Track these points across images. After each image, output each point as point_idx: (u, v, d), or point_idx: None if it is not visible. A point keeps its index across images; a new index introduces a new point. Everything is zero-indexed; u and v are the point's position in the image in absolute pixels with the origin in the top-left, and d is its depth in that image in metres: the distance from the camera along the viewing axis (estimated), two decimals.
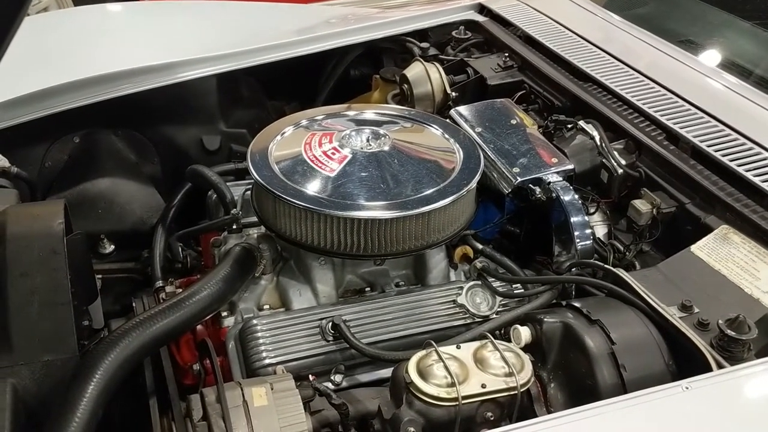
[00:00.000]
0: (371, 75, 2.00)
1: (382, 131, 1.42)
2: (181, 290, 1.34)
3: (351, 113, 1.54)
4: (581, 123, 1.52)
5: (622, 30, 1.82)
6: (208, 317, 1.24)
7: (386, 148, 1.38)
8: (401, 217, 1.24)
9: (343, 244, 1.26)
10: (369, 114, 1.53)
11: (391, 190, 1.28)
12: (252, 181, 1.33)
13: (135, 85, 1.67)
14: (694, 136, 1.38)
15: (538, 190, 1.40)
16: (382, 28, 2.01)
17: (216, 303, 1.22)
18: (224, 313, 1.31)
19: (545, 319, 1.10)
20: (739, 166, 1.30)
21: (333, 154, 1.35)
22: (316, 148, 1.37)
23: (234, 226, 1.43)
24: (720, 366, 1.00)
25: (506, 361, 1.03)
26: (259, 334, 1.20)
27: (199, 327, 1.33)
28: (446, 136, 1.47)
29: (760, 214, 1.23)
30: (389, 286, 1.37)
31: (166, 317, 1.15)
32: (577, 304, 1.12)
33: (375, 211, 1.24)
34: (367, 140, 1.40)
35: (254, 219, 1.41)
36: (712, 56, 1.66)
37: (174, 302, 1.18)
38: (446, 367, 1.00)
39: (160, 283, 1.47)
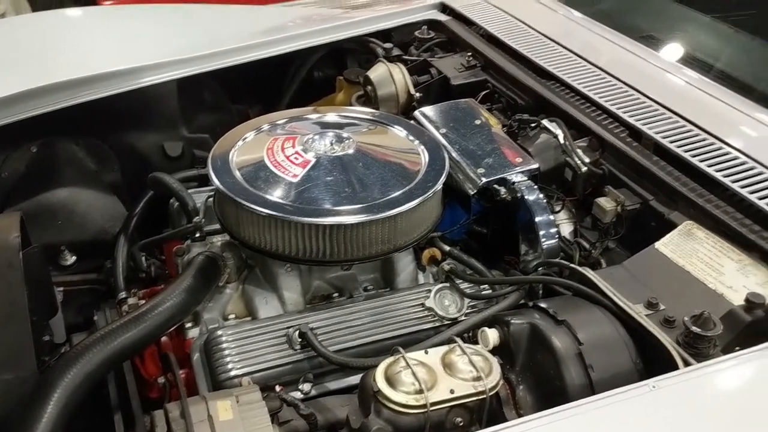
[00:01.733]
0: (335, 76, 1.99)
1: (346, 134, 1.41)
2: (144, 302, 1.31)
3: (314, 116, 1.52)
4: (545, 122, 1.52)
5: (583, 27, 1.82)
6: (172, 329, 1.22)
7: (351, 151, 1.36)
8: (368, 221, 1.23)
9: (309, 250, 1.25)
10: (333, 116, 1.52)
11: (357, 193, 1.27)
12: (215, 187, 1.31)
13: (94, 92, 1.63)
14: (657, 133, 1.39)
15: (503, 190, 1.39)
16: (345, 29, 1.99)
17: (180, 314, 1.19)
18: (189, 324, 1.28)
19: (512, 321, 1.10)
20: (702, 161, 1.31)
21: (296, 158, 1.34)
22: (279, 152, 1.35)
23: (197, 235, 1.40)
24: (687, 363, 1.00)
25: (474, 365, 1.02)
26: (225, 345, 1.18)
27: (163, 339, 1.30)
28: (411, 137, 1.46)
29: (723, 209, 1.24)
30: (357, 290, 1.36)
31: (129, 331, 1.12)
32: (543, 305, 1.12)
33: (341, 216, 1.23)
34: (331, 144, 1.38)
35: (218, 226, 1.39)
36: (673, 52, 1.67)
37: (136, 315, 1.15)
38: (414, 374, 0.99)
39: (123, 295, 1.44)
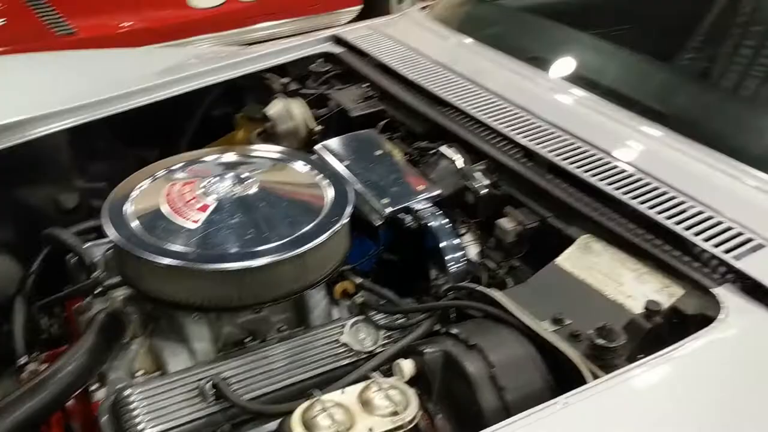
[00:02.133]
0: (233, 114, 1.96)
1: (247, 174, 1.39)
2: (46, 365, 1.25)
3: (213, 158, 1.50)
4: (443, 148, 1.55)
5: (473, 52, 1.87)
6: (76, 393, 1.16)
7: (253, 191, 1.34)
8: (276, 261, 1.21)
9: (217, 298, 1.22)
10: (232, 156, 1.50)
11: (263, 234, 1.25)
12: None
13: None
14: (549, 152, 1.44)
15: (408, 218, 1.41)
16: (242, 65, 1.98)
17: (83, 378, 1.14)
18: (95, 386, 1.22)
19: (426, 350, 1.11)
20: (593, 176, 1.36)
21: (196, 203, 1.31)
22: (178, 198, 1.32)
23: (98, 290, 1.35)
24: (595, 376, 1.03)
25: (391, 400, 1.02)
26: (134, 405, 1.13)
27: (69, 403, 1.24)
28: (314, 172, 1.45)
29: (616, 221, 1.29)
30: (271, 332, 1.33)
31: (30, 400, 1.07)
32: (454, 331, 1.13)
33: (247, 259, 1.20)
34: (232, 185, 1.36)
35: (120, 278, 1.34)
36: (559, 71, 1.73)
37: (37, 383, 1.10)
38: (331, 417, 0.98)
39: (23, 360, 1.37)
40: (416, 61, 1.85)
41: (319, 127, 1.76)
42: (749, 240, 1.19)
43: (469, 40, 1.93)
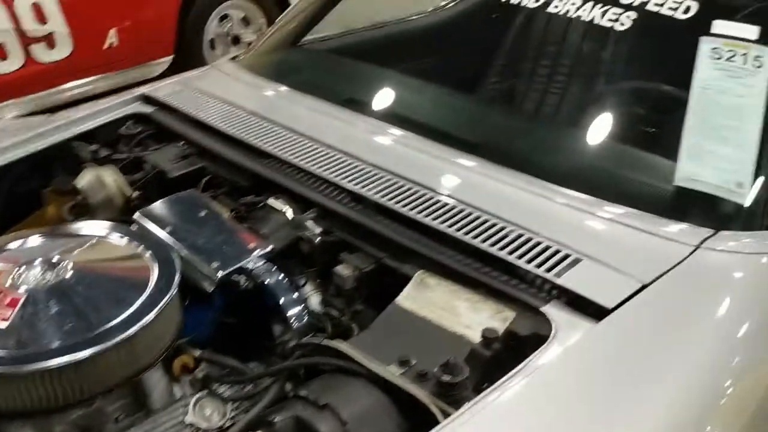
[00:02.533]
0: (41, 190, 1.81)
1: (58, 257, 1.28)
2: None
3: (18, 243, 1.37)
4: (271, 201, 1.52)
5: (289, 100, 1.87)
6: None
7: (68, 275, 1.24)
8: (102, 350, 1.12)
9: (40, 399, 1.11)
10: (40, 239, 1.38)
11: (84, 322, 1.16)
12: None
13: None
14: (375, 194, 1.46)
15: (242, 279, 1.36)
16: (46, 135, 1.84)
17: None
18: None
19: (276, 420, 1.07)
20: (419, 213, 1.40)
21: (4, 298, 1.19)
22: None
23: None
24: (446, 414, 1.04)
25: None
26: None
27: None
28: (134, 243, 1.37)
29: (446, 254, 1.32)
30: (108, 425, 1.23)
31: None
32: (303, 393, 1.10)
33: (68, 353, 1.10)
34: (43, 272, 1.25)
35: None
36: (374, 111, 1.77)
37: None
38: None
39: None
40: (232, 113, 1.81)
41: (137, 193, 1.67)
42: (567, 256, 1.27)
43: (282, 88, 1.92)
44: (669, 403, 1.05)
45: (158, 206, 1.54)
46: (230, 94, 1.90)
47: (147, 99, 1.96)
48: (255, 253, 1.39)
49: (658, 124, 1.68)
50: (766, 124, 1.39)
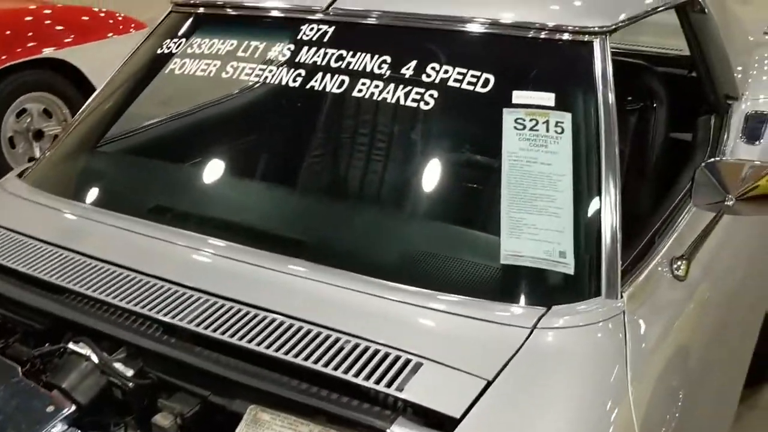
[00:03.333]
0: None
1: None
2: None
3: None
4: (71, 345, 1.32)
5: (86, 219, 1.64)
6: None
7: None
8: None
9: None
10: None
11: None
12: None
13: None
14: (190, 322, 1.30)
15: None
16: None
17: None
18: None
19: None
20: (242, 338, 1.25)
21: None
22: None
23: None
24: None
25: None
26: None
27: None
28: None
29: (277, 382, 1.19)
30: None
31: None
32: None
33: None
34: None
35: None
36: (183, 221, 1.59)
37: None
38: None
39: None
40: (18, 243, 1.57)
41: None
42: (408, 362, 1.19)
43: (79, 206, 1.69)
44: None
45: None
46: (16, 220, 1.65)
47: None
48: (56, 417, 1.19)
49: (480, 200, 1.66)
50: (576, 189, 1.39)
